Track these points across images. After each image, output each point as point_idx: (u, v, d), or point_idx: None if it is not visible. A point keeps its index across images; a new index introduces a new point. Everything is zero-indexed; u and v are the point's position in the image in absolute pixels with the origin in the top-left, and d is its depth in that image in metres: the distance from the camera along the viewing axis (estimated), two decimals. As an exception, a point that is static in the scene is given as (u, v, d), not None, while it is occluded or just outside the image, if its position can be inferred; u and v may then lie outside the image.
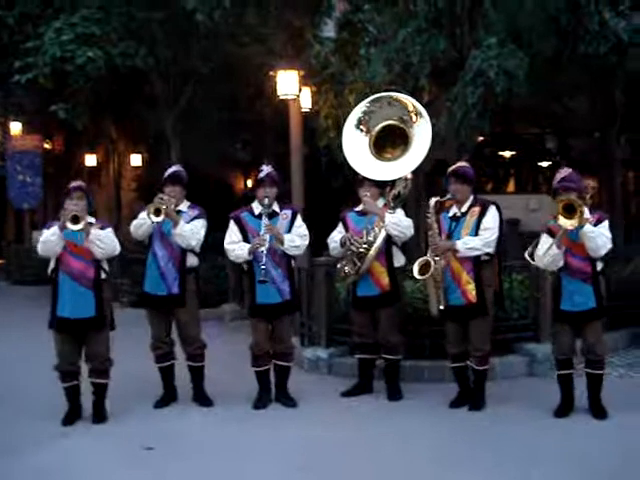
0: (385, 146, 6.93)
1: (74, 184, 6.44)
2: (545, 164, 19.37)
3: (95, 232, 6.18)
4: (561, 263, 6.03)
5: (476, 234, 6.34)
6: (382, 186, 6.88)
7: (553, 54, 8.48)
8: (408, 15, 8.87)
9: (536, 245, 6.20)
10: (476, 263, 6.36)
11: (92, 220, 6.36)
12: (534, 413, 6.28)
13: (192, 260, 6.77)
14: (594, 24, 7.99)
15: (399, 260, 6.90)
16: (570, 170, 6.21)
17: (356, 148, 6.94)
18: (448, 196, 6.48)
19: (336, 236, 6.95)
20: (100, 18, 11.61)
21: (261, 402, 6.70)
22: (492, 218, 6.37)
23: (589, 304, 6.06)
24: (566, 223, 5.73)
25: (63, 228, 6.09)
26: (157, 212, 6.36)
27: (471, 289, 6.34)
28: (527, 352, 7.68)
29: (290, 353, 6.83)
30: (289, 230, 6.68)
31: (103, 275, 6.34)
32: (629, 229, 13.40)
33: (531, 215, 13.64)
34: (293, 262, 6.79)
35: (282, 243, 6.58)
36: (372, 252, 6.67)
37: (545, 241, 6.09)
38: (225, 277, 11.43)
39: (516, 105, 9.78)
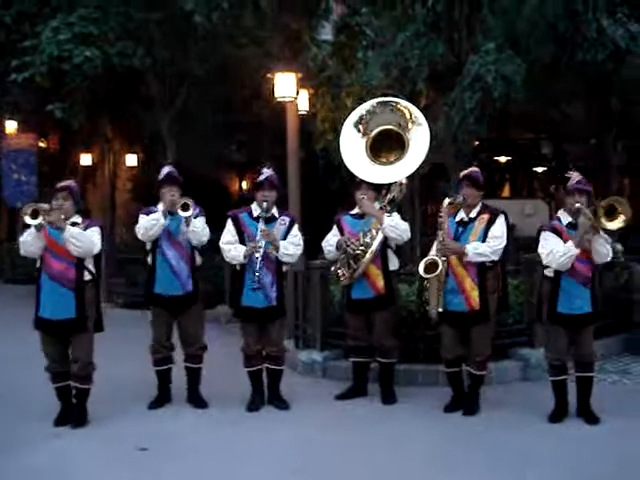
0: (381, 150, 6.94)
1: (60, 184, 6.38)
2: (540, 169, 19.42)
3: (70, 231, 6.06)
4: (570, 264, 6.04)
5: (483, 242, 6.36)
6: (378, 189, 6.89)
7: (551, 60, 8.50)
8: (406, 19, 8.88)
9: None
10: (481, 269, 6.36)
11: (78, 220, 6.28)
12: (528, 418, 6.30)
13: (198, 259, 6.81)
14: (592, 31, 8.02)
15: (394, 263, 6.91)
16: (579, 174, 6.22)
17: (353, 149, 6.96)
18: (459, 199, 6.49)
19: (331, 239, 6.96)
20: (97, 18, 11.59)
21: (254, 404, 6.70)
22: (500, 227, 6.39)
23: (586, 308, 6.07)
24: (611, 225, 5.78)
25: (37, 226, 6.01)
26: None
27: (475, 296, 6.34)
28: (521, 357, 7.69)
29: (281, 356, 6.82)
30: (285, 237, 6.68)
31: (88, 276, 6.24)
32: (624, 236, 13.42)
33: (526, 220, 13.65)
34: (284, 267, 6.79)
35: (277, 249, 6.59)
36: (369, 255, 6.68)
37: (553, 241, 6.06)
38: (223, 277, 11.44)
39: (512, 110, 9.80)
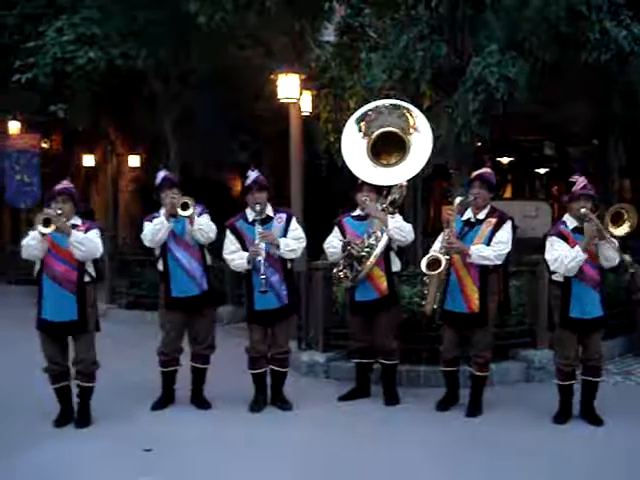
0: (381, 152, 6.92)
1: (58, 187, 6.39)
2: (542, 171, 19.41)
3: (75, 236, 6.11)
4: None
5: (488, 245, 6.37)
6: (379, 191, 6.90)
7: (553, 62, 8.49)
8: (409, 21, 8.88)
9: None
10: (482, 272, 6.38)
11: (77, 222, 6.33)
12: (531, 419, 6.31)
13: (209, 258, 6.81)
14: (595, 33, 8.01)
15: (396, 265, 6.92)
16: (583, 176, 6.23)
17: (354, 150, 6.93)
18: (469, 198, 6.49)
19: (333, 241, 6.94)
20: (101, 19, 11.61)
21: (257, 405, 6.71)
22: (507, 233, 6.41)
23: (597, 312, 6.08)
24: (619, 231, 5.82)
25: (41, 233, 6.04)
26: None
27: (475, 298, 6.37)
28: (524, 358, 7.69)
29: (286, 358, 6.83)
30: (284, 234, 6.68)
31: (87, 278, 6.29)
32: (625, 237, 13.41)
33: (528, 221, 13.64)
34: (289, 264, 6.79)
35: (278, 247, 6.60)
36: (373, 257, 6.67)
37: (560, 247, 6.05)
38: (224, 279, 11.44)
39: (515, 112, 9.79)
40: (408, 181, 7.05)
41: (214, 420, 6.51)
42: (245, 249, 6.63)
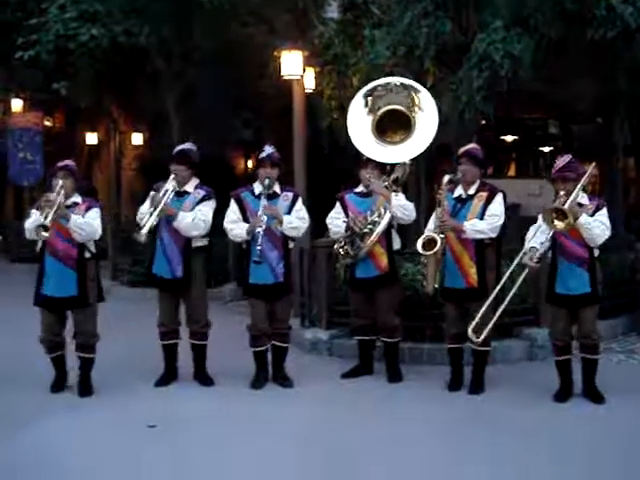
0: (387, 130, 6.91)
1: (60, 163, 6.53)
2: (547, 149, 19.34)
3: (74, 220, 6.21)
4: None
5: (481, 219, 6.37)
6: (382, 169, 6.88)
7: (559, 39, 8.43)
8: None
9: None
10: (479, 247, 6.38)
11: (78, 199, 6.47)
12: (533, 397, 6.31)
13: (200, 241, 6.76)
14: (601, 9, 7.94)
15: (397, 242, 6.93)
16: (569, 157, 6.20)
17: (359, 126, 6.92)
18: (458, 175, 6.48)
19: (336, 218, 6.93)
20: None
21: (258, 382, 6.72)
22: (499, 205, 6.42)
23: (584, 289, 6.07)
24: (558, 226, 5.82)
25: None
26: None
27: (473, 273, 6.38)
28: (527, 336, 7.69)
29: (287, 334, 6.84)
30: (289, 212, 6.68)
31: (87, 254, 6.43)
32: (629, 216, 13.39)
33: (532, 200, 13.61)
34: (291, 244, 6.80)
35: (281, 223, 6.59)
36: (374, 236, 6.66)
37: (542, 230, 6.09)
38: (228, 257, 11.45)
39: (519, 89, 9.73)
40: (412, 160, 7.03)
41: (217, 397, 6.53)
42: (246, 221, 6.62)
